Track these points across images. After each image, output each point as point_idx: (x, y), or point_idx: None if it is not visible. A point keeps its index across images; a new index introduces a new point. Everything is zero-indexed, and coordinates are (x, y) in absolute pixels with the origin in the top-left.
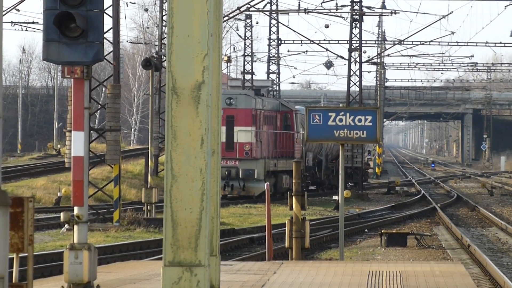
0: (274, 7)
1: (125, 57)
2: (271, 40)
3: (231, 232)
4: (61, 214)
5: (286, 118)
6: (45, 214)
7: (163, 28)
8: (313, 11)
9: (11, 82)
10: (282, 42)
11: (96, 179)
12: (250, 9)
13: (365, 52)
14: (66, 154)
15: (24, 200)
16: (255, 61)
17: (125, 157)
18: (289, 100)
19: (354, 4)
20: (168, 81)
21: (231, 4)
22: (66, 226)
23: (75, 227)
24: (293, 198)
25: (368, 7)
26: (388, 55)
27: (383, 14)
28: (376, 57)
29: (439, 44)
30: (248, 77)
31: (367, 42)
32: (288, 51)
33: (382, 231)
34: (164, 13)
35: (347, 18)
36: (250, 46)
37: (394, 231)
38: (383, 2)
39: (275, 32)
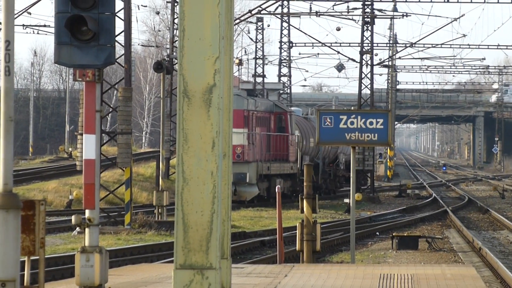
0: (285, 10)
1: (137, 60)
2: (283, 43)
3: (242, 235)
4: (73, 217)
5: (280, 119)
6: (57, 217)
7: (175, 31)
8: (325, 14)
9: (23, 85)
10: (294, 45)
11: (108, 182)
12: (262, 12)
13: (376, 55)
14: (78, 157)
15: (35, 203)
16: (267, 64)
17: (137, 160)
18: (300, 102)
19: (366, 7)
20: (180, 84)
21: (242, 7)
22: (78, 229)
23: (87, 230)
24: (304, 201)
25: (380, 10)
26: (399, 58)
27: (395, 17)
28: (387, 59)
29: (450, 47)
30: (259, 80)
31: (379, 44)
32: (300, 54)
33: (394, 234)
34: (175, 16)
35: (358, 21)
36: (261, 49)
37: (405, 234)
38: (395, 5)
39: (287, 35)
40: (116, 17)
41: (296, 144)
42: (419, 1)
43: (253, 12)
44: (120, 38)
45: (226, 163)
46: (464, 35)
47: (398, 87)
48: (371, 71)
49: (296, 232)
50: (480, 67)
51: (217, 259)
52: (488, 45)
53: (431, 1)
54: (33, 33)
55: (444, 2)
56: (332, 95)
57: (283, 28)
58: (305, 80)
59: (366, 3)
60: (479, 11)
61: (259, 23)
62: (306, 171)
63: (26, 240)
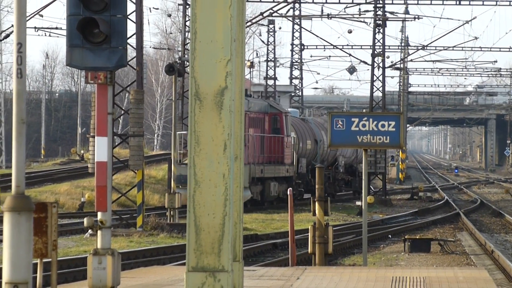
0: (297, 13)
1: (148, 62)
2: (294, 46)
3: (254, 238)
4: (85, 220)
5: (275, 120)
6: (69, 220)
7: (186, 33)
8: (336, 16)
9: (35, 88)
10: (305, 47)
11: (120, 184)
12: (273, 15)
13: (388, 57)
14: (90, 160)
15: (47, 206)
16: (278, 67)
17: (148, 162)
18: (312, 105)
19: (377, 9)
20: (191, 87)
21: (254, 10)
22: (90, 231)
23: (99, 232)
24: (316, 203)
25: (391, 12)
26: (411, 61)
27: (406, 19)
28: (399, 62)
29: (462, 50)
30: (271, 82)
31: (390, 47)
32: (311, 56)
33: (406, 237)
34: (187, 19)
35: (370, 23)
36: (273, 51)
37: (417, 237)
38: (406, 8)
39: (298, 38)
40: (127, 19)
41: (292, 146)
42: (431, 4)
43: (264, 14)
44: (132, 41)
45: (238, 165)
46: (476, 38)
47: (410, 89)
48: (383, 74)
49: (308, 235)
50: (492, 70)
51: (229, 261)
52: (500, 48)
53: (442, 4)
54: (45, 35)
55: (456, 4)
56: (343, 98)
57: (294, 30)
58: (316, 82)
59: (378, 5)
60: (491, 14)
61: (271, 26)
62: (318, 173)
63: (39, 242)
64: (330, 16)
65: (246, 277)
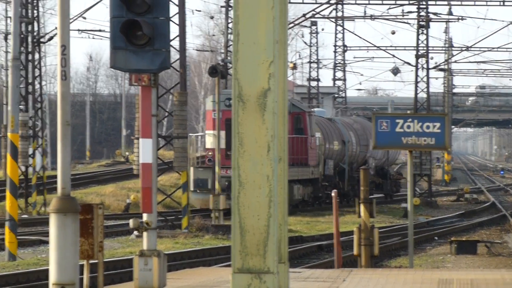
0: (339, 14)
1: (191, 64)
2: (337, 47)
3: (299, 239)
4: (130, 221)
5: (298, 120)
6: (114, 221)
7: (229, 35)
8: (379, 17)
9: (79, 90)
10: (348, 48)
11: (164, 186)
12: (316, 16)
13: (432, 58)
14: (135, 161)
15: (93, 207)
16: (321, 68)
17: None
18: (356, 106)
19: (421, 10)
20: (234, 88)
21: (296, 11)
22: (135, 232)
23: (144, 233)
24: (361, 205)
25: (435, 13)
26: (455, 62)
27: (450, 20)
28: (443, 63)
29: (506, 51)
30: (314, 84)
31: (434, 48)
32: (354, 57)
33: (452, 239)
34: (229, 21)
35: (413, 24)
36: (315, 52)
37: (464, 239)
38: (450, 8)
39: (341, 39)
40: (170, 21)
41: (317, 147)
42: (474, 4)
43: (307, 16)
44: (175, 43)
45: (282, 167)
46: None
47: (454, 90)
48: (427, 75)
49: (353, 237)
50: None
51: (275, 263)
52: None
53: (486, 4)
54: (89, 37)
55: (500, 5)
56: (387, 99)
57: (337, 31)
58: (360, 83)
59: (421, 6)
60: None
61: (313, 27)
62: (362, 175)
63: (85, 244)
64: (373, 17)
65: (291, 279)
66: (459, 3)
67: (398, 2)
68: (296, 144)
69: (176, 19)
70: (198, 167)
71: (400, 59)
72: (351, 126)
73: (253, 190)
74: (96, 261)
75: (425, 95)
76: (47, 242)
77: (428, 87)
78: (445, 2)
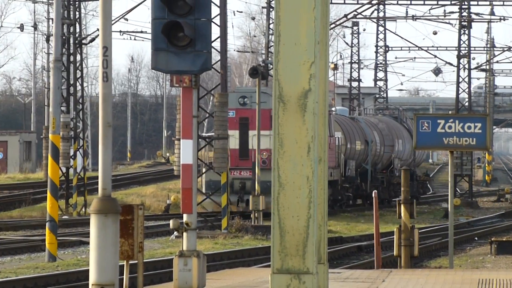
0: (381, 14)
1: (232, 65)
2: (378, 47)
3: (338, 240)
4: (170, 222)
5: None
6: (154, 222)
7: (270, 36)
8: (421, 17)
9: (120, 91)
10: (390, 49)
11: None
12: (357, 16)
13: (474, 58)
14: (175, 162)
15: (134, 208)
16: (362, 68)
17: None
18: (397, 107)
19: (463, 10)
20: (275, 89)
21: (338, 12)
22: (175, 233)
23: (184, 234)
24: (402, 206)
25: (477, 14)
26: (497, 62)
27: (492, 20)
28: (485, 63)
29: None
30: (355, 84)
31: (476, 48)
32: (396, 58)
33: (492, 239)
34: (271, 22)
35: (455, 24)
36: (357, 53)
37: (504, 239)
38: (492, 9)
39: (383, 39)
40: (212, 23)
41: (337, 147)
42: None
43: (348, 16)
44: (216, 44)
45: (322, 168)
46: None
47: (496, 91)
48: (469, 75)
49: (393, 237)
50: None
51: (314, 263)
52: None
53: None
54: (130, 39)
55: None
56: (429, 99)
57: (379, 32)
58: (401, 84)
59: (463, 7)
60: None
61: (355, 28)
62: (403, 176)
63: (125, 244)
64: (414, 17)
65: (331, 280)
66: (501, 3)
67: (440, 3)
68: None
69: (217, 20)
70: (210, 168)
71: (442, 60)
72: (375, 125)
73: (293, 191)
74: (136, 261)
75: (466, 96)
76: (87, 243)
77: (469, 87)
78: (487, 2)
